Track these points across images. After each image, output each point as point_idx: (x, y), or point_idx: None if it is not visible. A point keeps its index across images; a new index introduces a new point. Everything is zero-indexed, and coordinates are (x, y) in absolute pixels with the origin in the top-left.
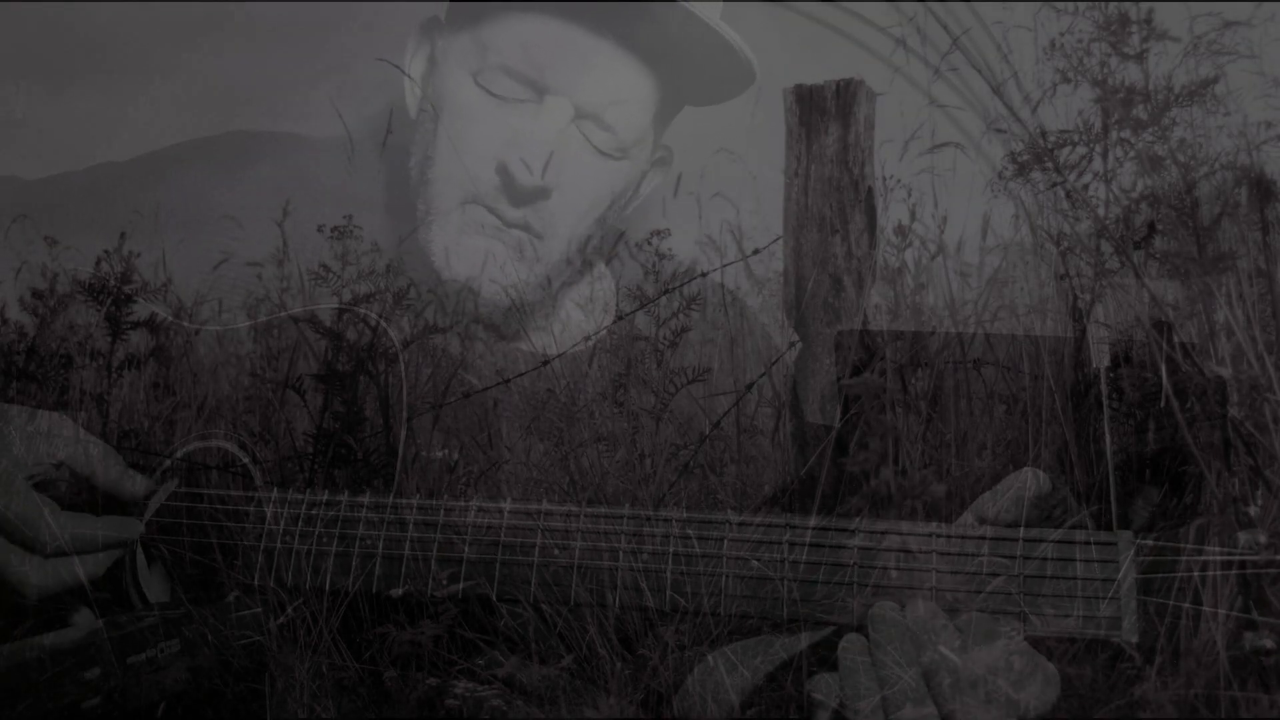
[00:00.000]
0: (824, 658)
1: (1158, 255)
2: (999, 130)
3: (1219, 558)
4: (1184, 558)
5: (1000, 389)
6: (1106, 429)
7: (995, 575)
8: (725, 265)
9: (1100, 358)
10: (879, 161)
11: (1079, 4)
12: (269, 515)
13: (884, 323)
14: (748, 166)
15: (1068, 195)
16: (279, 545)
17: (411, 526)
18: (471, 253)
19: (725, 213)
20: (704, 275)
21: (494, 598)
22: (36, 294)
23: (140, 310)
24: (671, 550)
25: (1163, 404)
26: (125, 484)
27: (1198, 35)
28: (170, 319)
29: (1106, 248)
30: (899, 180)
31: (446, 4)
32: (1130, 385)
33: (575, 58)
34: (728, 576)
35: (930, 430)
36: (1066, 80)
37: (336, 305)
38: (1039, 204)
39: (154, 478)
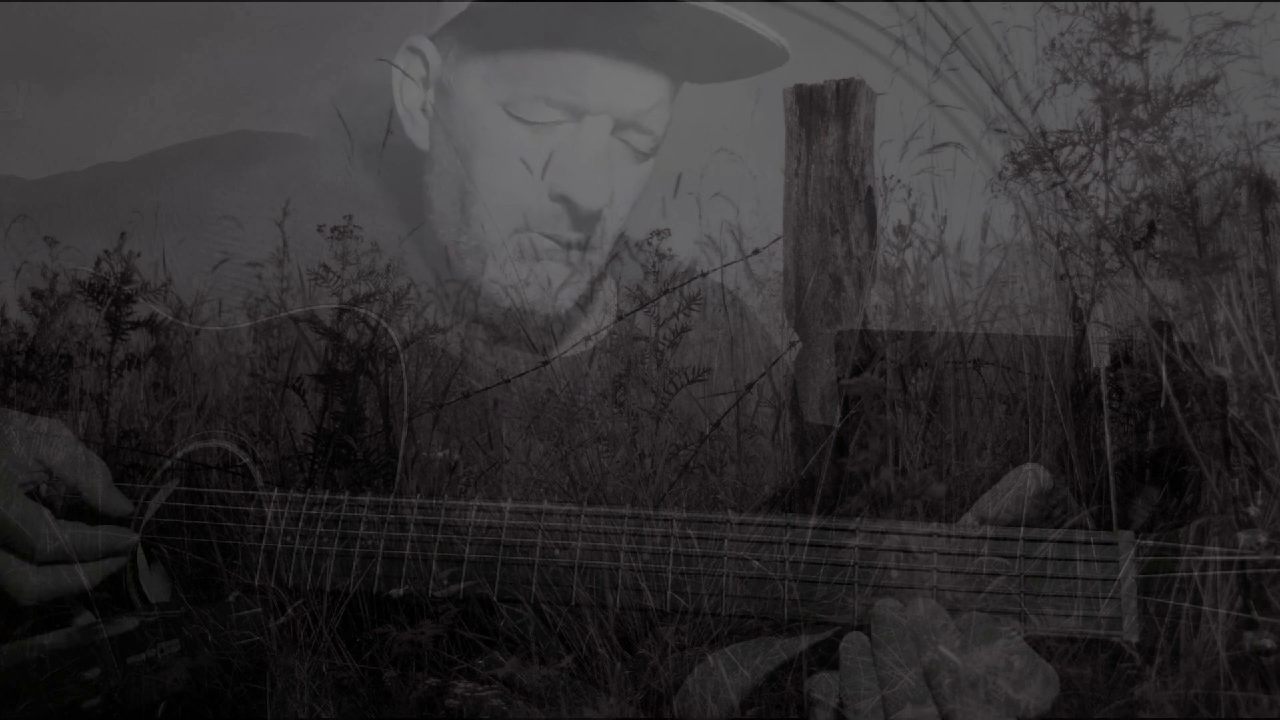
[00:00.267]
0: (824, 658)
1: (1158, 255)
2: (999, 130)
3: (1219, 558)
4: (1184, 558)
5: (1000, 389)
6: (1106, 429)
7: (995, 575)
8: (725, 265)
9: (1100, 358)
10: (879, 161)
11: (1079, 4)
12: (269, 515)
13: (884, 323)
14: (748, 166)
15: (1068, 195)
16: (279, 545)
17: (412, 526)
18: (530, 282)
19: (725, 213)
20: (704, 275)
21: (494, 598)
22: (36, 294)
23: (140, 310)
24: (671, 550)
25: (1163, 404)
26: (113, 502)
27: (1198, 35)
28: (170, 319)
29: (1106, 248)
30: (899, 180)
31: (428, 34)
32: (1130, 385)
33: (609, 73)
34: (728, 576)
35: (930, 430)
36: (1066, 80)
37: (336, 305)
38: (1039, 204)
39: (152, 480)
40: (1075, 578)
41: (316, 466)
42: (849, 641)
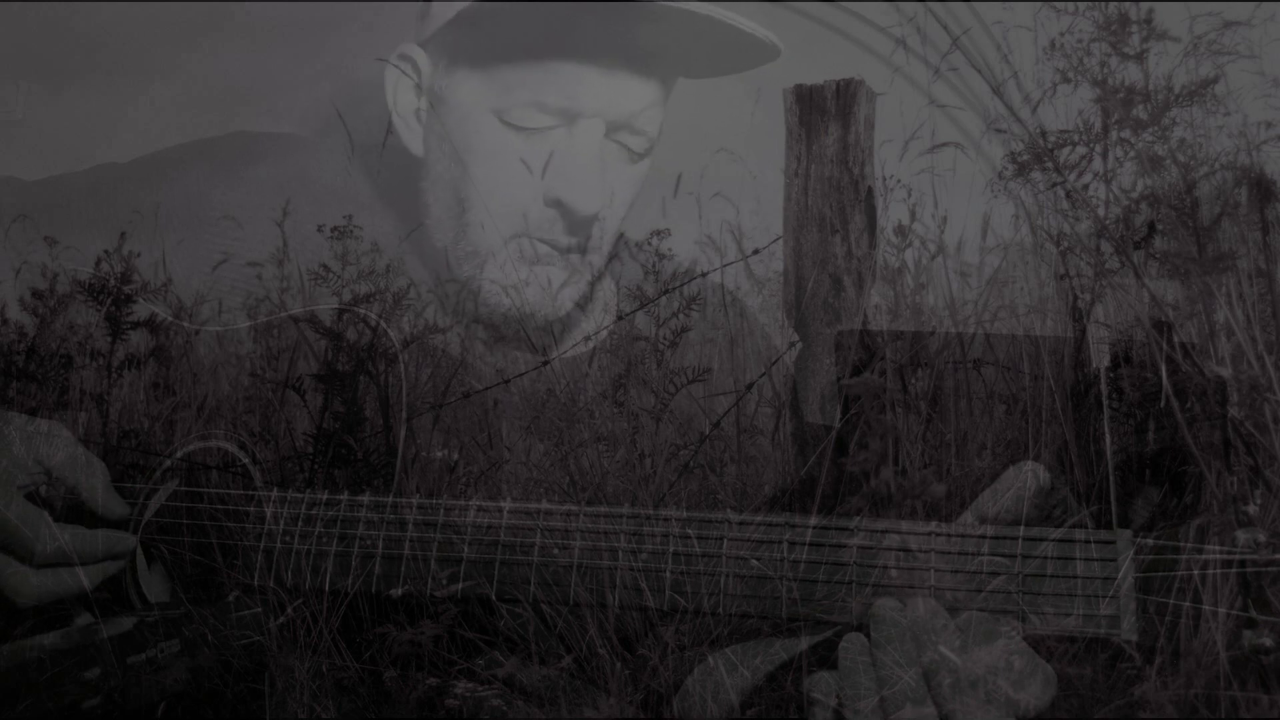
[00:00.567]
0: (824, 658)
1: (1158, 255)
2: (999, 130)
3: (1219, 557)
4: (1184, 557)
5: (1000, 389)
6: (1106, 429)
7: (995, 575)
8: (725, 265)
9: (1100, 358)
10: (879, 161)
11: (1079, 4)
12: (269, 515)
13: (884, 323)
14: (748, 166)
15: (1068, 195)
16: (279, 545)
17: (411, 526)
18: (530, 283)
19: (725, 213)
20: (704, 275)
21: (494, 598)
22: (36, 294)
23: (140, 310)
24: (671, 550)
25: (1163, 404)
26: (110, 505)
27: (1198, 35)
28: (170, 319)
29: (1106, 248)
30: (899, 180)
31: (418, 41)
32: (1130, 385)
33: (600, 76)
34: (728, 576)
35: (930, 430)
36: (1066, 80)
37: (336, 305)
38: (1039, 204)
39: (152, 480)
40: (1075, 577)
41: (316, 466)
42: (848, 641)
